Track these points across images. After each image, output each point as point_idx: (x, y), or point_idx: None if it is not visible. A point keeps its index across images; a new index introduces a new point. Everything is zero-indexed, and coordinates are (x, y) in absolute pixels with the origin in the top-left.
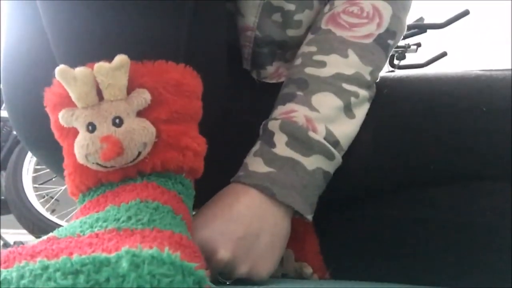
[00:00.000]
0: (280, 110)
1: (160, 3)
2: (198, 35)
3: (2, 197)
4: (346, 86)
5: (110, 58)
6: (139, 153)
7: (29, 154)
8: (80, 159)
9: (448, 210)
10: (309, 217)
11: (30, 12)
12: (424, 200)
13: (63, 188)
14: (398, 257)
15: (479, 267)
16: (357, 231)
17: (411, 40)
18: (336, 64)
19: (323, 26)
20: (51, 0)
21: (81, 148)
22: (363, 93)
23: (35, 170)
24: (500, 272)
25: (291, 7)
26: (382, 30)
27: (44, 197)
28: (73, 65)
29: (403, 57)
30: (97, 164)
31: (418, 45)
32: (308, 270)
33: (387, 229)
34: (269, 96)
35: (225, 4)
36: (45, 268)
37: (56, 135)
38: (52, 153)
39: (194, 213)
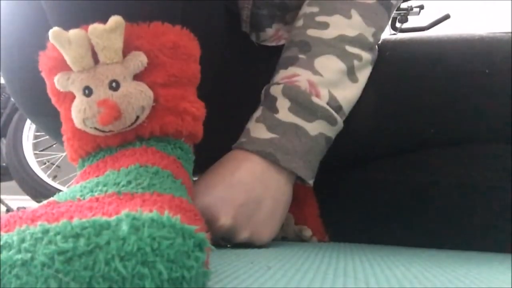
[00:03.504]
0: (282, 74)
1: None
2: None
3: (3, 164)
4: (349, 48)
5: (104, 21)
6: (137, 118)
7: (29, 120)
8: (78, 124)
9: (449, 172)
10: (311, 182)
11: None
12: (425, 163)
13: (63, 154)
14: (397, 220)
15: (480, 228)
16: (357, 195)
17: (413, 3)
18: (339, 25)
19: None
20: None
21: (78, 113)
22: (366, 55)
23: (35, 137)
24: (500, 232)
25: None
26: None
27: (45, 163)
28: (67, 28)
29: (406, 20)
30: (95, 128)
31: (421, 7)
32: (308, 233)
33: (387, 193)
34: (269, 59)
35: None
36: (46, 231)
37: (53, 100)
38: (50, 119)
39: (195, 179)
